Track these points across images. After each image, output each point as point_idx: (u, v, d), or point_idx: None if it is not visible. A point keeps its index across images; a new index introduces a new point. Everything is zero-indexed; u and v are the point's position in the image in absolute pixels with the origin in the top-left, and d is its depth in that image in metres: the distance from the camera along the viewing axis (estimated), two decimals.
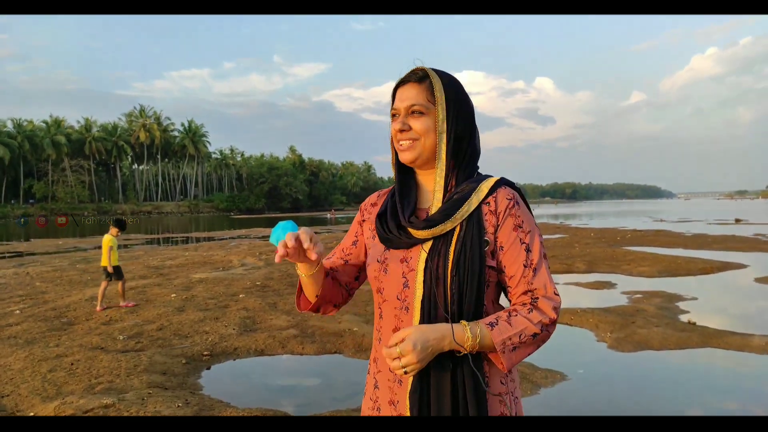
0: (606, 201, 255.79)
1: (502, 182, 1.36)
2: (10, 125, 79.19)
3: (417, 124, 1.33)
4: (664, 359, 5.18)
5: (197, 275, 10.74)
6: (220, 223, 49.38)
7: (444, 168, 1.33)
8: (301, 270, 1.35)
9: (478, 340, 1.22)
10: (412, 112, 1.33)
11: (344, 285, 1.51)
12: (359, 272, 1.53)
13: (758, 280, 9.51)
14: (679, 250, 14.49)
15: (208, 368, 5.02)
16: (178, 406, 3.89)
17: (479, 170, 1.41)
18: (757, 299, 8.19)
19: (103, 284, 7.33)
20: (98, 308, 7.18)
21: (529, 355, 1.27)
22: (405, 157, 1.35)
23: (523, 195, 1.38)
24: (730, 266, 11.18)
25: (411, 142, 1.34)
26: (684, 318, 6.60)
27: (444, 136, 1.32)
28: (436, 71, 1.36)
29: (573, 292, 8.72)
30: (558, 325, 1.49)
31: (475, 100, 1.49)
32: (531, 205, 1.42)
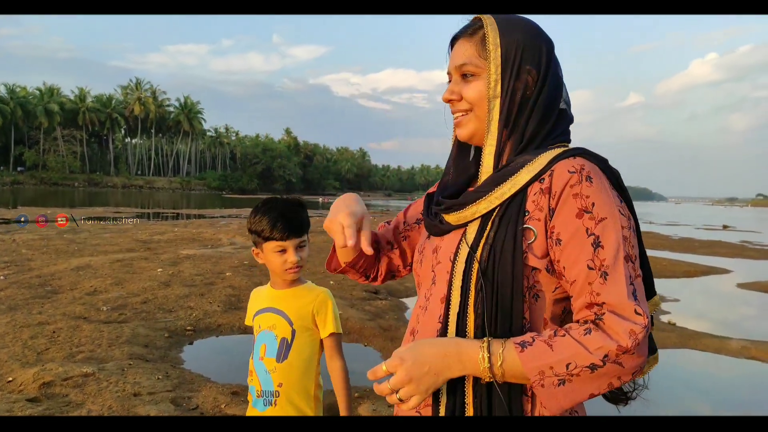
0: None
1: (573, 152, 0.98)
2: (2, 90, 78.21)
3: (469, 91, 1.03)
4: None
5: (185, 251, 10.72)
6: (211, 201, 49.21)
7: (495, 143, 1.01)
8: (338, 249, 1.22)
9: (500, 362, 0.88)
10: (464, 75, 1.03)
11: (390, 267, 1.30)
12: (411, 256, 1.27)
13: (740, 285, 9.64)
14: (665, 253, 14.62)
15: (191, 343, 5.03)
16: (158, 378, 3.90)
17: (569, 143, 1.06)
18: (738, 304, 8.31)
19: None
20: None
21: (590, 397, 0.89)
22: (459, 135, 1.07)
23: (608, 169, 1.00)
24: (714, 270, 11.31)
25: (463, 114, 1.05)
26: (665, 318, 6.69)
27: (497, 101, 1.00)
28: (497, 17, 1.03)
29: None
30: None
31: None
32: None
